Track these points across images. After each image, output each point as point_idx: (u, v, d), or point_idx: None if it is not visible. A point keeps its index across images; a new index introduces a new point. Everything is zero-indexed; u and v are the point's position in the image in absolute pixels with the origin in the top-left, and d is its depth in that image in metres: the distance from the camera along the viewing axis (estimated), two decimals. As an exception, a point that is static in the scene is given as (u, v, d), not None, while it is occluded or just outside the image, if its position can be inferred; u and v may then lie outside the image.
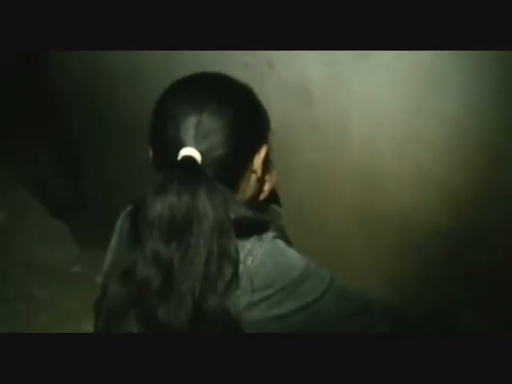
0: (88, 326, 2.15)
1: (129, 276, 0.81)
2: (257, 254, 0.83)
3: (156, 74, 1.96)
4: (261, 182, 0.94)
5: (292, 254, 0.87)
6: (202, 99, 0.86)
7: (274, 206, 1.03)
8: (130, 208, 0.96)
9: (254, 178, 0.91)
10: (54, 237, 2.66)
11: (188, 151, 0.83)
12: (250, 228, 0.85)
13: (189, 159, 0.83)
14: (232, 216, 0.82)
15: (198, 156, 0.83)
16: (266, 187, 0.96)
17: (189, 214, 0.79)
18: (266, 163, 0.93)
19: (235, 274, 0.80)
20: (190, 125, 0.84)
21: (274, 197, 1.02)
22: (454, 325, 1.31)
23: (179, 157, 0.84)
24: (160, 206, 0.79)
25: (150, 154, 0.92)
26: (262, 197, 0.97)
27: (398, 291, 1.58)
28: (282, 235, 0.90)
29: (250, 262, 0.82)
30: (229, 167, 0.86)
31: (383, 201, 1.59)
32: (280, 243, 0.87)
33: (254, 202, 0.94)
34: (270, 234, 0.86)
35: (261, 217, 0.90)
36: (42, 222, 2.69)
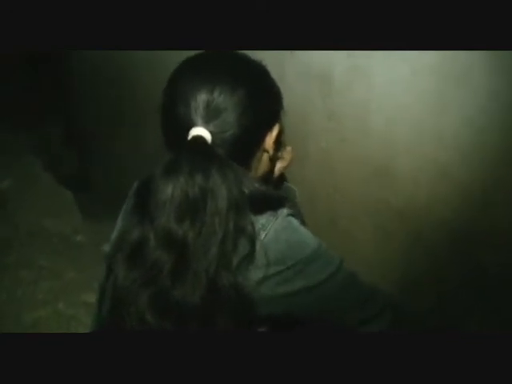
0: (88, 297, 2.19)
1: (138, 256, 0.80)
2: (270, 229, 0.83)
3: (172, 56, 1.93)
4: (272, 161, 0.93)
5: (304, 232, 0.87)
6: (214, 77, 0.84)
7: (288, 184, 1.03)
8: (137, 184, 0.94)
9: (265, 157, 0.90)
10: (59, 206, 2.66)
11: (198, 131, 0.82)
12: (265, 203, 0.85)
13: (199, 139, 0.81)
14: (246, 191, 0.82)
15: (208, 136, 0.82)
16: (279, 165, 0.95)
17: (202, 194, 0.77)
18: (278, 142, 0.92)
19: (253, 249, 0.80)
20: (200, 103, 0.83)
21: (283, 177, 1.01)
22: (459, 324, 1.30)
23: (189, 137, 0.82)
24: (171, 187, 0.78)
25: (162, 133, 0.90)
26: (274, 176, 0.96)
27: (408, 288, 1.57)
28: (297, 213, 0.90)
29: (263, 236, 0.82)
30: (240, 147, 0.85)
31: (398, 196, 1.57)
32: (294, 221, 0.86)
33: (267, 180, 0.93)
34: (284, 211, 0.85)
35: (276, 192, 0.90)
36: (47, 190, 2.69)
